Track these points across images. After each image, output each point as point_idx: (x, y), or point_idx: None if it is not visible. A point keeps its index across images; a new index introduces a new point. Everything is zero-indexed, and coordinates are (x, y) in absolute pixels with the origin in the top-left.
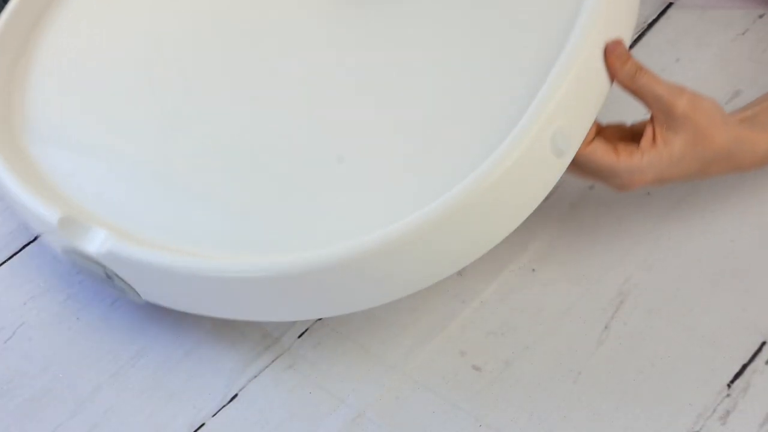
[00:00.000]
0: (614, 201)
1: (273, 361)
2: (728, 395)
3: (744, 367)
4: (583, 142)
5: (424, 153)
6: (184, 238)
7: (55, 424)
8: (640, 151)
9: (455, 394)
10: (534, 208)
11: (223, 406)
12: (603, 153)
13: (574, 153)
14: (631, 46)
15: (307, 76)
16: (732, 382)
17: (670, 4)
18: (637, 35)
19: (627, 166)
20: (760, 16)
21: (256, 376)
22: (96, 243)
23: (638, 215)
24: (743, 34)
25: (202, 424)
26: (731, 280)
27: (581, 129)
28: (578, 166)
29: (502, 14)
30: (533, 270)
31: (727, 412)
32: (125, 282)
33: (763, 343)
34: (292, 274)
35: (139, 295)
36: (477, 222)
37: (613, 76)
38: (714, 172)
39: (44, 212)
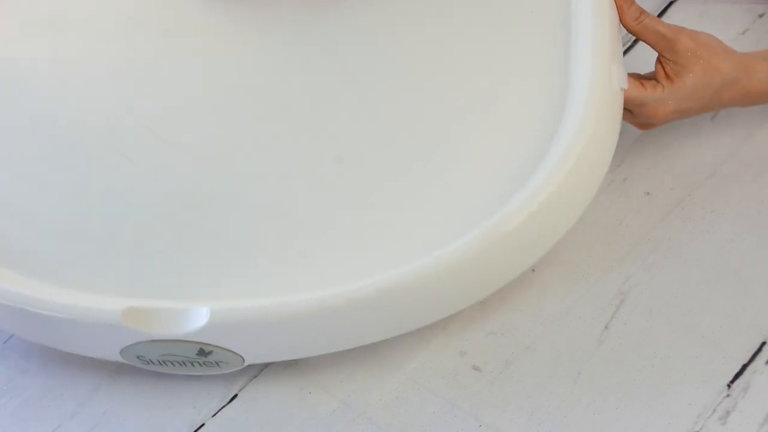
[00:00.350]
0: (614, 201)
1: (273, 361)
2: (728, 395)
3: (744, 367)
4: None
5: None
6: (257, 287)
7: (55, 425)
8: (660, 84)
9: (455, 394)
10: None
11: (223, 406)
12: (633, 86)
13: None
14: (631, 46)
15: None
16: (732, 382)
17: (670, 3)
18: None
19: (653, 95)
20: (760, 16)
21: (256, 376)
22: (197, 321)
23: (638, 215)
24: (743, 33)
25: (202, 425)
26: (731, 280)
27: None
28: None
29: None
30: (533, 270)
31: (727, 412)
32: (229, 351)
33: (763, 343)
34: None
35: (243, 359)
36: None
37: (620, 17)
38: (727, 100)
39: (104, 309)
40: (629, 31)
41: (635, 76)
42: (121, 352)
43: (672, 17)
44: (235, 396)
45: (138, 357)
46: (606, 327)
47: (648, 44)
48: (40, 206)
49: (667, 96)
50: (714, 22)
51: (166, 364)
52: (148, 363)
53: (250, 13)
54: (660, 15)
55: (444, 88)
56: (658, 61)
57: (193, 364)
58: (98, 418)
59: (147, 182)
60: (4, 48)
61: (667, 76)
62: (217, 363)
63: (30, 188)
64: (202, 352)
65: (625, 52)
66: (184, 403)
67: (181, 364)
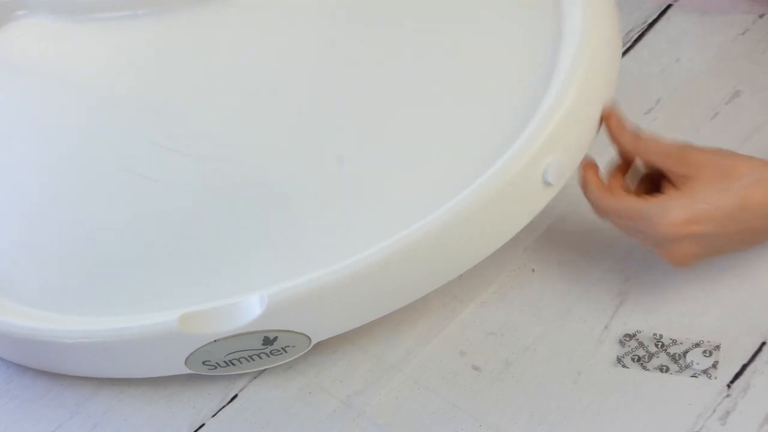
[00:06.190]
0: None
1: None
2: (728, 395)
3: (744, 367)
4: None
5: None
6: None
7: (55, 425)
8: (663, 194)
9: (455, 394)
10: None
11: (223, 406)
12: (629, 198)
13: (562, 184)
14: (631, 47)
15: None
16: (732, 382)
17: (670, 5)
18: (637, 35)
19: (655, 205)
20: (760, 16)
21: (256, 377)
22: (254, 310)
23: None
24: (743, 34)
25: (202, 425)
26: (731, 280)
27: (574, 163)
28: (618, 216)
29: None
30: (533, 270)
31: (727, 412)
32: (295, 333)
33: (763, 343)
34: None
35: (309, 339)
36: (477, 228)
37: (615, 142)
38: (761, 206)
39: (160, 322)
40: (629, 154)
41: (636, 193)
42: (187, 360)
43: (672, 18)
44: (235, 396)
45: (204, 363)
46: (606, 327)
47: (651, 166)
48: (65, 244)
49: (673, 204)
50: (714, 23)
51: (234, 364)
52: (215, 367)
53: (250, 15)
54: (660, 16)
55: (442, 87)
56: (663, 177)
57: (260, 357)
58: (98, 418)
59: (159, 194)
60: (7, 63)
61: (673, 185)
62: (284, 348)
63: (52, 229)
64: (267, 341)
65: (625, 53)
66: (184, 403)
67: (248, 360)
